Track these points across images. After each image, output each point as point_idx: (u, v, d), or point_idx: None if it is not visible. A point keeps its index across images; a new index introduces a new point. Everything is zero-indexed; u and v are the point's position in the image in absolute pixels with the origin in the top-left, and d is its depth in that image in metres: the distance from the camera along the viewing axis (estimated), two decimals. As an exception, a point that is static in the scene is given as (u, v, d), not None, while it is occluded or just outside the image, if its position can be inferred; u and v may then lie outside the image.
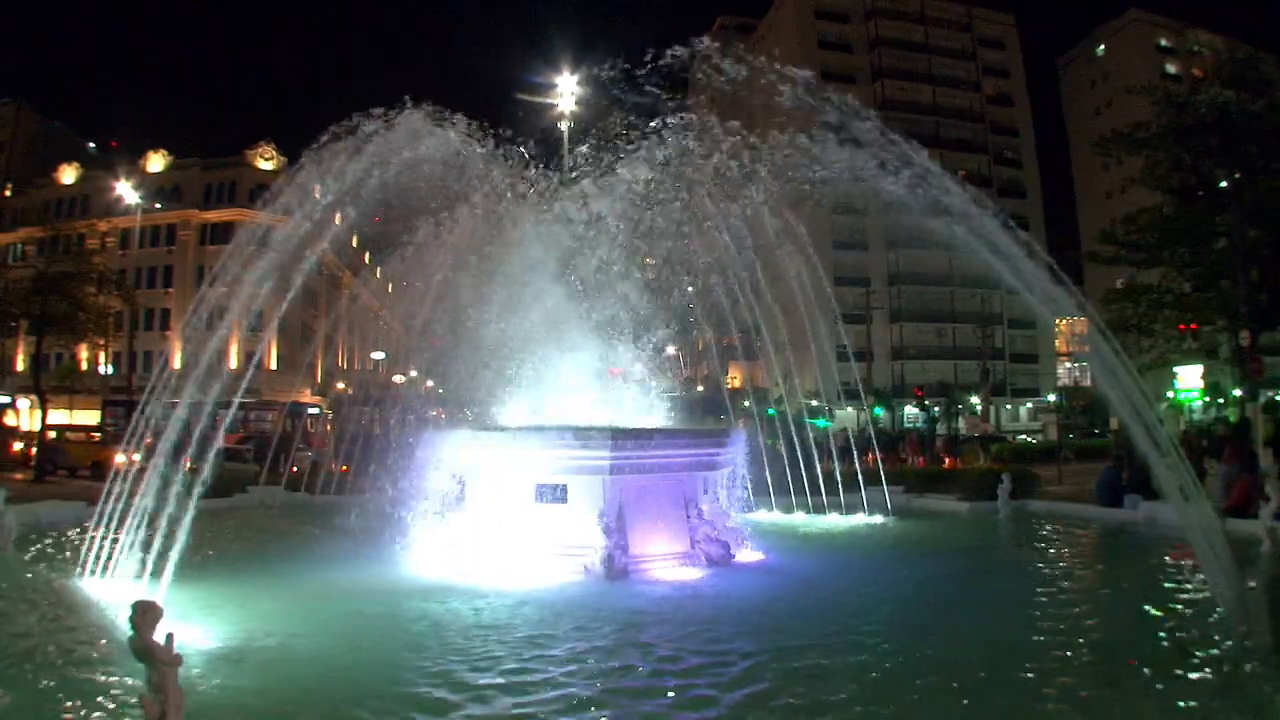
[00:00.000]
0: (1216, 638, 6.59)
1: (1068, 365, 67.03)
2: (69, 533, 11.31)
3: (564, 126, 15.44)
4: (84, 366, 48.33)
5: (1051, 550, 11.98)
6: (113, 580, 8.08)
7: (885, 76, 76.07)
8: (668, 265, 13.39)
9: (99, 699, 5.05)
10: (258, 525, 13.70)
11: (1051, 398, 58.37)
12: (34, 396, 31.37)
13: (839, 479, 15.73)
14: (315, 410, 41.29)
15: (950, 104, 77.57)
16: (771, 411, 25.13)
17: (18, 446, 30.39)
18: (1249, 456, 15.97)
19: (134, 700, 4.30)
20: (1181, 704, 5.20)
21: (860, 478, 15.38)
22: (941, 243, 10.38)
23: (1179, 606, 7.75)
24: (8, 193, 60.48)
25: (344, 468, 19.54)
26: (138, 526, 8.11)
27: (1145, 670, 5.81)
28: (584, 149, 12.73)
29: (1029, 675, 5.74)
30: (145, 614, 3.92)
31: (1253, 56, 29.08)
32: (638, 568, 9.35)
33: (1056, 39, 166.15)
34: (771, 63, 10.90)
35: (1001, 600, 8.34)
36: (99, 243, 43.32)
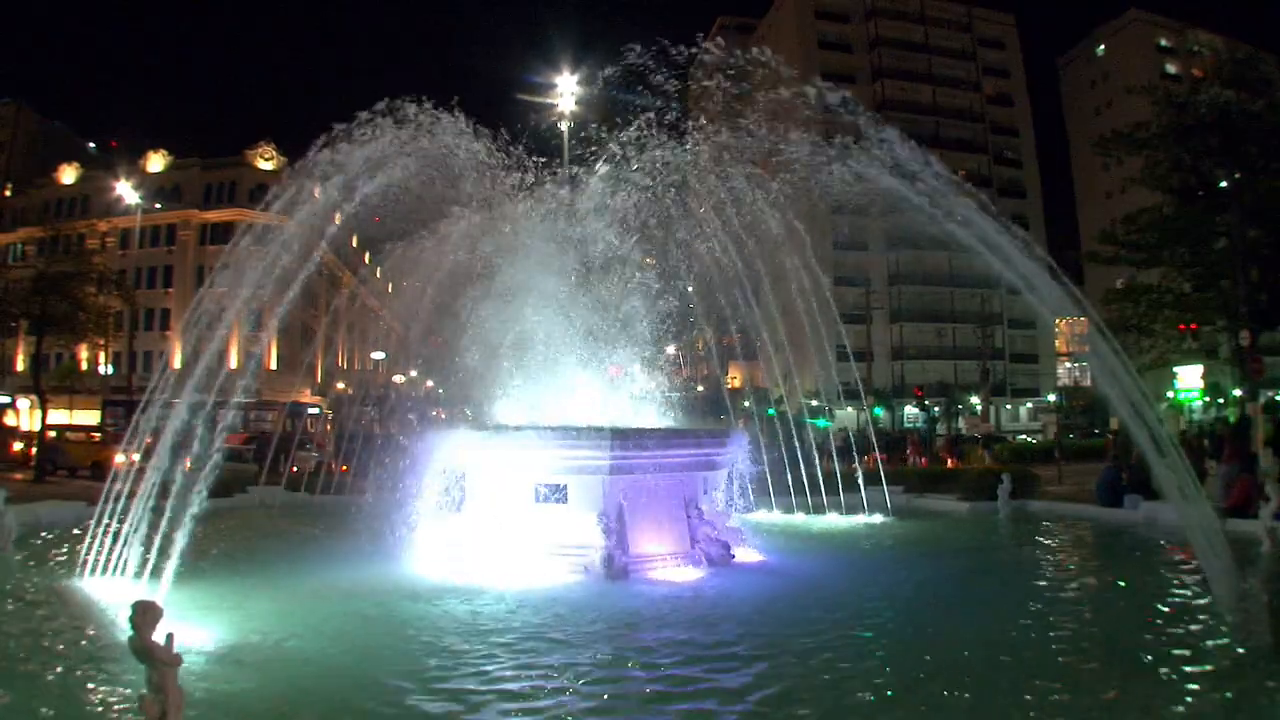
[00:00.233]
0: (1216, 638, 6.59)
1: (1068, 365, 66.91)
2: (69, 533, 11.31)
3: (564, 126, 15.44)
4: (84, 366, 48.34)
5: (1052, 550, 11.98)
6: (113, 580, 8.08)
7: (885, 76, 76.02)
8: (668, 265, 13.40)
9: (99, 699, 5.05)
10: (258, 525, 13.69)
11: (1051, 398, 58.38)
12: (34, 396, 31.39)
13: (839, 479, 15.73)
14: (315, 410, 41.29)
15: (950, 104, 77.53)
16: (771, 411, 25.12)
17: (18, 446, 30.41)
18: (1249, 456, 15.97)
19: (134, 700, 4.30)
20: (1182, 704, 5.19)
21: (860, 478, 15.39)
22: (942, 243, 10.39)
23: (1179, 606, 7.75)
24: (8, 193, 60.48)
25: (344, 468, 19.56)
26: (137, 527, 8.11)
27: (1146, 670, 5.81)
28: (583, 149, 12.74)
29: (1029, 675, 5.73)
30: (145, 614, 3.92)
31: (1253, 56, 29.07)
32: (638, 568, 9.35)
33: (1056, 39, 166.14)
34: (773, 69, 10.93)
35: (1002, 600, 8.34)
36: (99, 243, 43.30)
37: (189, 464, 8.40)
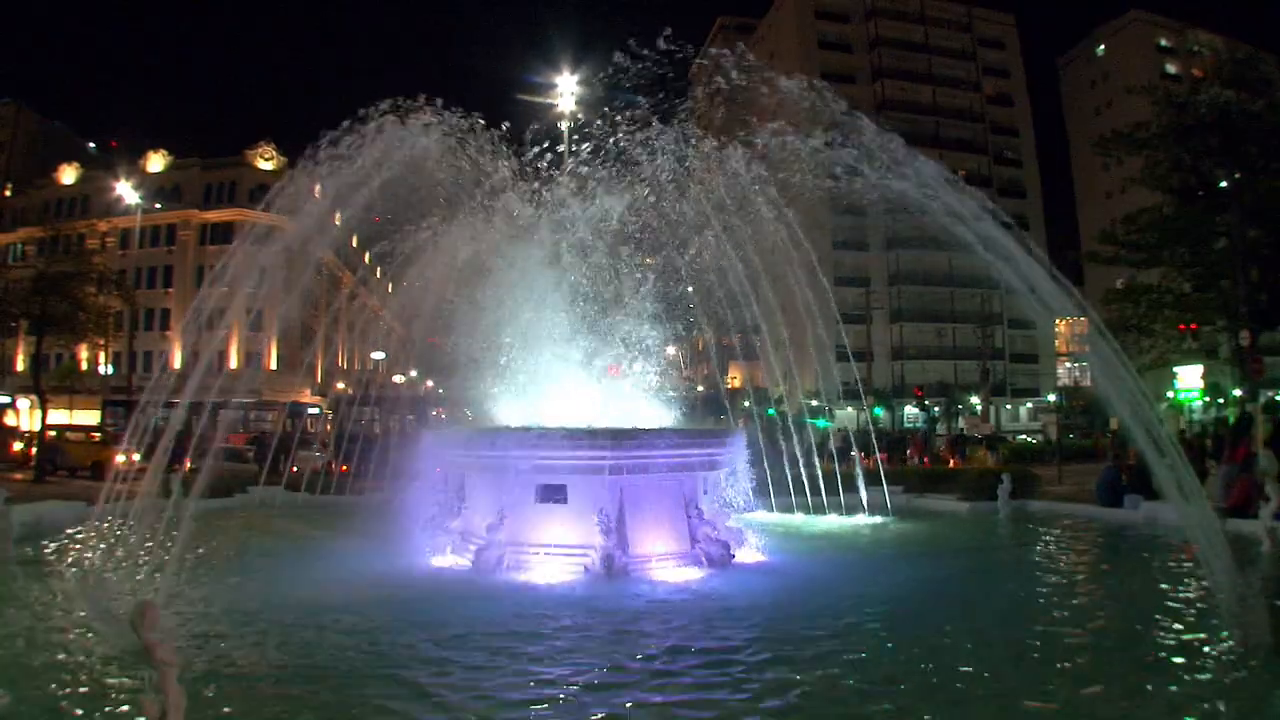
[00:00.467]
0: (1216, 638, 6.59)
1: (1068, 365, 66.88)
2: (69, 532, 11.31)
3: (564, 126, 15.44)
4: (84, 366, 48.33)
5: (1051, 550, 11.97)
6: (112, 580, 8.08)
7: (885, 76, 76.04)
8: (668, 265, 13.39)
9: (98, 699, 5.05)
10: (257, 525, 13.67)
11: (1051, 398, 58.32)
12: (34, 396, 31.36)
13: (839, 479, 15.73)
14: (315, 410, 41.28)
15: (950, 104, 77.56)
16: (771, 411, 25.13)
17: (18, 446, 30.43)
18: (1249, 456, 15.94)
19: (134, 700, 4.30)
20: (1182, 704, 5.19)
21: (860, 478, 15.38)
22: (942, 243, 10.38)
23: (1179, 606, 7.74)
24: (8, 193, 60.54)
25: (344, 468, 19.57)
26: (137, 527, 8.12)
27: (1146, 670, 5.80)
28: (584, 148, 12.73)
29: (1030, 675, 5.74)
30: (145, 614, 3.92)
31: (1253, 56, 29.09)
32: (638, 568, 9.34)
33: (1056, 39, 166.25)
34: (773, 75, 10.94)
35: (1002, 600, 8.34)
36: (99, 243, 43.30)
37: (189, 464, 8.41)
